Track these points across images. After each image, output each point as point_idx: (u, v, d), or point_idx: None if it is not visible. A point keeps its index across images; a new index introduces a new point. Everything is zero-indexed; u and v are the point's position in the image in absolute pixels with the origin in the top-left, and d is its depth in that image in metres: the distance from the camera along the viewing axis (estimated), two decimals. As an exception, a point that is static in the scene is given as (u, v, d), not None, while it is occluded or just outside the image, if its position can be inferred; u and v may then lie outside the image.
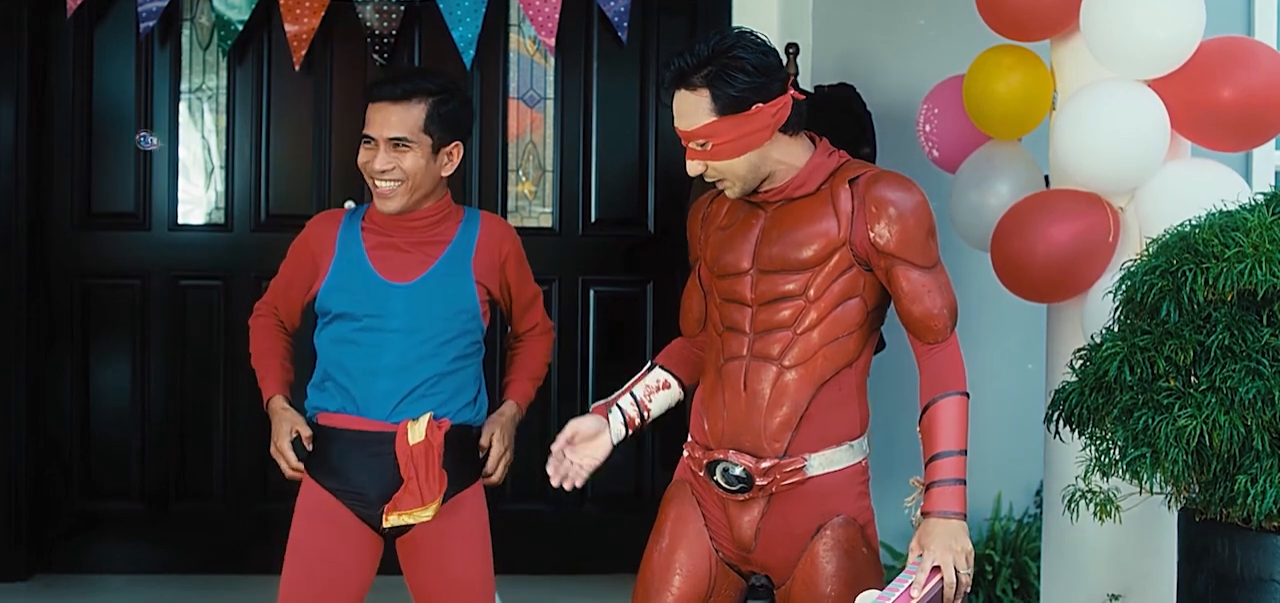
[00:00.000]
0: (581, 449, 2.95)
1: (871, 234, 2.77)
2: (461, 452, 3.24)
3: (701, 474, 2.86)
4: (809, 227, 2.81)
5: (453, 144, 3.22)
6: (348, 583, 3.22)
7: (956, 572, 2.66)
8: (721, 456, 2.81)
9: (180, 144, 5.15)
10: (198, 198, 5.20)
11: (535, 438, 5.19)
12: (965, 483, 2.73)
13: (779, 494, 2.80)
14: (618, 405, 2.99)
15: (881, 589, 2.70)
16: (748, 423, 2.80)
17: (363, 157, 3.21)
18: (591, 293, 5.23)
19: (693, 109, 2.77)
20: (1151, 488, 2.79)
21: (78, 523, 5.15)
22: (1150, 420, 2.68)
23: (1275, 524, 2.67)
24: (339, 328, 3.21)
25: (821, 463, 2.81)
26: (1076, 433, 2.92)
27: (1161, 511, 2.92)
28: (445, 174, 3.24)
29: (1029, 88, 3.57)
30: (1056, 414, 2.92)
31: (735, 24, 5.00)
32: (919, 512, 2.76)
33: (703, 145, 2.78)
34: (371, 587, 3.29)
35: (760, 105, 2.76)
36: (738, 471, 2.80)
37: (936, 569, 2.66)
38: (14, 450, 5.02)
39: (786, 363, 2.80)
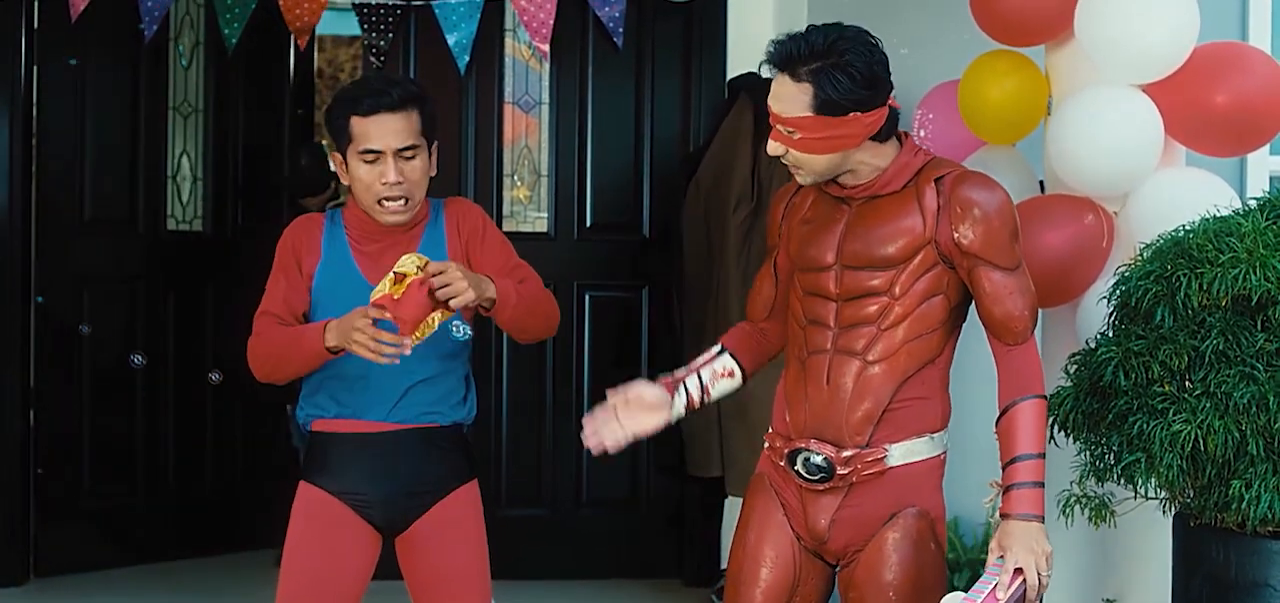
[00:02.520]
0: (634, 415, 2.96)
1: (955, 234, 2.76)
2: (453, 451, 3.26)
3: (782, 464, 2.88)
4: (894, 224, 2.80)
5: (435, 143, 3.24)
6: (346, 578, 3.23)
7: (1038, 574, 2.68)
8: (802, 445, 2.83)
9: (176, 150, 5.16)
10: (194, 203, 5.21)
11: (531, 445, 5.20)
12: (1044, 486, 2.72)
13: (858, 484, 2.81)
14: (684, 385, 3.00)
15: (946, 587, 2.74)
16: (829, 416, 2.82)
17: (366, 174, 3.11)
18: (587, 298, 5.23)
19: (791, 97, 2.76)
20: (1146, 493, 2.80)
21: (76, 524, 5.15)
22: (1145, 425, 2.69)
23: (1270, 529, 2.67)
24: None
25: (902, 453, 2.81)
26: (1071, 438, 2.93)
27: (1156, 515, 2.92)
28: (432, 175, 3.24)
29: (1023, 93, 3.57)
30: (1051, 419, 2.93)
31: (731, 31, 5.04)
32: (998, 514, 2.76)
33: (791, 133, 2.77)
34: (369, 592, 3.30)
35: (858, 115, 2.74)
36: (818, 459, 2.81)
37: (1019, 571, 2.67)
38: (11, 453, 5.02)
39: (870, 358, 2.80)
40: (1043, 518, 2.71)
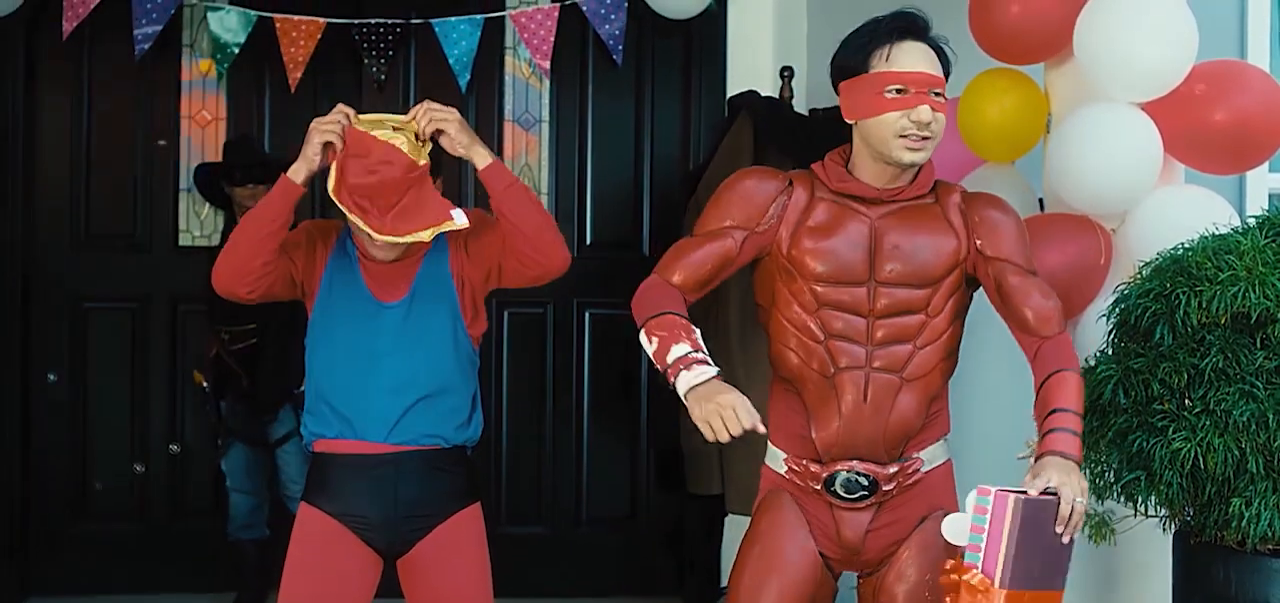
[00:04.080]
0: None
1: (979, 243, 2.80)
2: (455, 473, 3.24)
3: (818, 488, 2.84)
4: (931, 238, 2.80)
5: (437, 180, 3.22)
6: (346, 601, 3.21)
7: (1073, 504, 2.56)
8: (844, 468, 2.81)
9: (179, 167, 5.16)
10: (196, 221, 5.20)
11: (530, 462, 5.20)
12: (1081, 440, 2.67)
13: (895, 494, 2.84)
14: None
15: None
16: (866, 431, 2.80)
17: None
18: (587, 315, 5.23)
19: (932, 61, 2.80)
20: (1146, 511, 2.80)
21: (72, 545, 5.14)
22: (1145, 443, 2.69)
23: (1270, 547, 2.67)
24: (330, 351, 3.20)
25: (928, 459, 2.86)
26: (1071, 456, 2.92)
27: (1157, 533, 2.92)
28: None
29: (1023, 111, 3.58)
30: (1051, 437, 2.92)
31: (731, 50, 5.04)
32: (1034, 456, 2.69)
33: (938, 95, 2.78)
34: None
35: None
36: (863, 480, 2.82)
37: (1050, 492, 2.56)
38: (9, 471, 5.01)
39: (907, 376, 2.80)
40: (1081, 464, 2.66)
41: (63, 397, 5.12)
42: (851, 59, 2.82)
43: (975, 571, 2.48)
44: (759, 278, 2.91)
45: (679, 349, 2.72)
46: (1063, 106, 3.52)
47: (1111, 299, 2.91)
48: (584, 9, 4.91)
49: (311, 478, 3.24)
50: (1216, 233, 2.83)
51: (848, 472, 2.81)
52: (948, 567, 2.58)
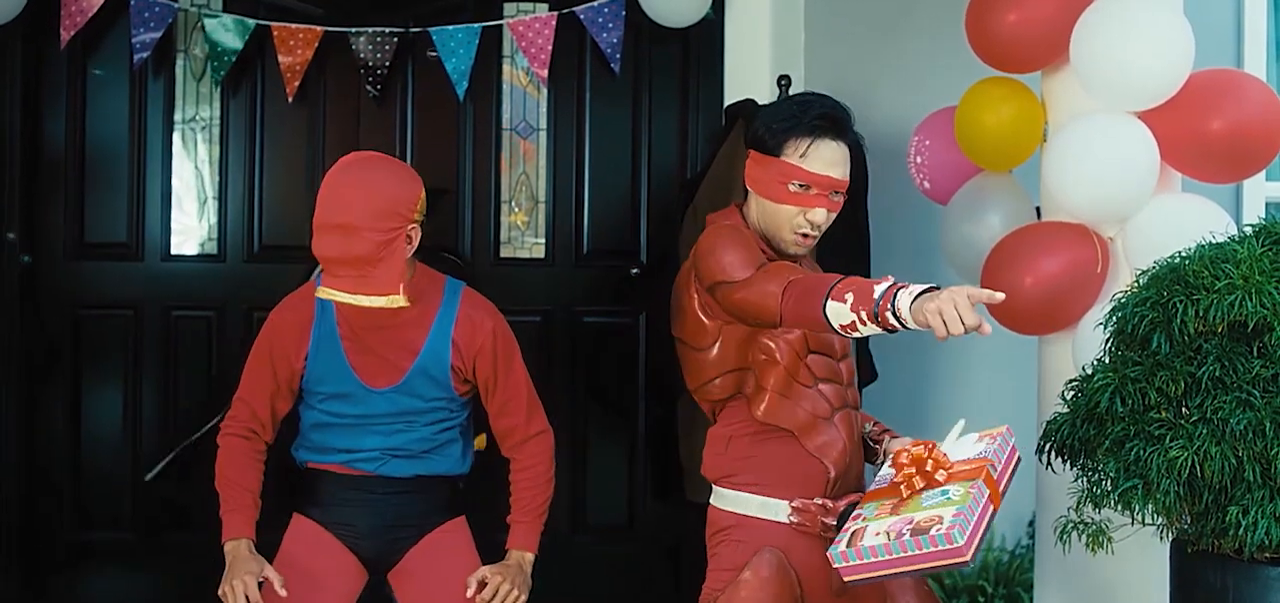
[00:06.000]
0: None
1: None
2: (441, 494, 3.28)
3: (831, 524, 2.89)
4: None
5: (411, 224, 3.17)
6: (325, 600, 3.24)
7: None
8: (853, 499, 2.92)
9: (173, 175, 5.15)
10: (191, 229, 5.19)
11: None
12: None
13: None
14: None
15: None
16: (856, 466, 3.01)
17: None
18: (584, 323, 5.23)
19: (844, 162, 2.91)
20: (1143, 519, 2.80)
21: (69, 554, 5.13)
22: (1142, 452, 2.69)
23: (1267, 555, 2.67)
24: (321, 415, 3.22)
25: None
26: (1068, 464, 2.93)
27: (1154, 542, 2.92)
28: (411, 251, 3.18)
29: (1020, 120, 3.58)
30: (1048, 446, 2.93)
31: (728, 59, 5.05)
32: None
33: (839, 196, 2.91)
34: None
35: None
36: None
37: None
38: (5, 480, 5.00)
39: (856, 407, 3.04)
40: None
41: (61, 405, 5.12)
42: (769, 138, 2.92)
43: (987, 465, 2.72)
44: (747, 339, 3.00)
45: (883, 285, 2.63)
46: (1060, 115, 3.53)
47: (1108, 308, 2.91)
48: (582, 18, 4.92)
49: (302, 492, 3.29)
50: (1213, 242, 2.82)
51: (854, 505, 2.90)
52: (922, 449, 2.73)
